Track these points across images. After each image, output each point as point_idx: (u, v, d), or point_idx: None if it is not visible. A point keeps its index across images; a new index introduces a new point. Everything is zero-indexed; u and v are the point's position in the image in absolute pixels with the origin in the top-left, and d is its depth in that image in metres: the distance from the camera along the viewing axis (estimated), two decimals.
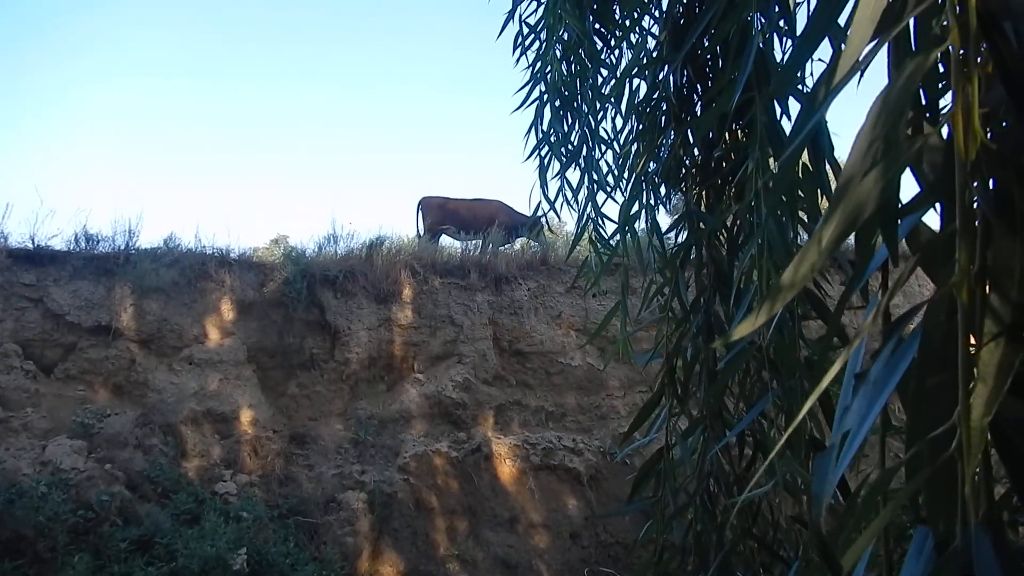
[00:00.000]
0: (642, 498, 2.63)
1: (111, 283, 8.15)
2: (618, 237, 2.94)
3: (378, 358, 8.91)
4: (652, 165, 2.60)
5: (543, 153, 3.27)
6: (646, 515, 9.13)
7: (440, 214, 10.75)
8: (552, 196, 3.32)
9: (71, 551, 6.52)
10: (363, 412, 8.66)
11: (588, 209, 3.13)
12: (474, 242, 10.66)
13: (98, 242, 8.38)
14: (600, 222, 3.21)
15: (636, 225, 2.81)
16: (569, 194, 3.24)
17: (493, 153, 32.19)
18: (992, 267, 0.53)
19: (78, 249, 8.31)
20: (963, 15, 0.52)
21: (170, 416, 7.83)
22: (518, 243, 10.86)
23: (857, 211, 0.51)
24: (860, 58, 0.56)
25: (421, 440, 8.66)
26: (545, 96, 3.17)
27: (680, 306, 2.59)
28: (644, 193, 2.66)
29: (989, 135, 0.54)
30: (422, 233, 10.67)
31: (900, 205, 0.69)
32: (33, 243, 8.12)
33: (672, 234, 2.70)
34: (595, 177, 3.08)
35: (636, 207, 2.71)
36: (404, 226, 23.45)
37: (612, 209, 3.35)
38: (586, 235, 3.24)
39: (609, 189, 3.09)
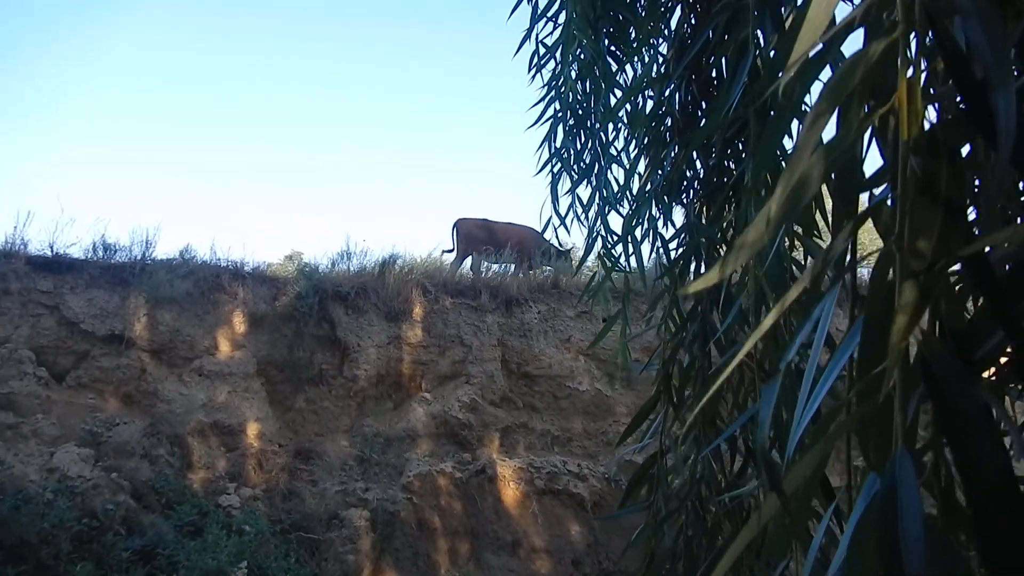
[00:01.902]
0: (635, 504, 2.66)
1: (126, 292, 8.25)
2: (620, 248, 2.98)
3: (386, 376, 8.94)
4: (656, 178, 2.64)
5: (555, 169, 3.33)
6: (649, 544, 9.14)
7: (476, 235, 10.74)
8: (563, 212, 3.37)
9: (74, 559, 6.55)
10: (369, 429, 8.68)
11: (597, 225, 3.17)
12: (504, 265, 10.70)
13: (115, 251, 8.50)
14: (609, 239, 3.24)
15: (638, 236, 2.85)
16: (580, 210, 3.29)
17: (507, 171, 32.41)
18: (914, 231, 0.58)
19: (95, 258, 8.42)
20: (910, 10, 0.56)
21: (178, 427, 7.88)
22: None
23: (803, 183, 0.55)
24: (819, 44, 0.61)
25: (426, 460, 8.66)
26: (559, 114, 3.23)
27: (677, 315, 2.63)
28: (647, 206, 2.69)
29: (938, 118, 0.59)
30: (455, 253, 10.66)
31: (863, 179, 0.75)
32: (52, 251, 8.24)
33: (673, 245, 2.73)
34: (605, 194, 3.13)
35: (638, 220, 2.76)
36: (417, 245, 23.58)
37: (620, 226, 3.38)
38: (595, 251, 3.28)
39: (618, 206, 3.14)
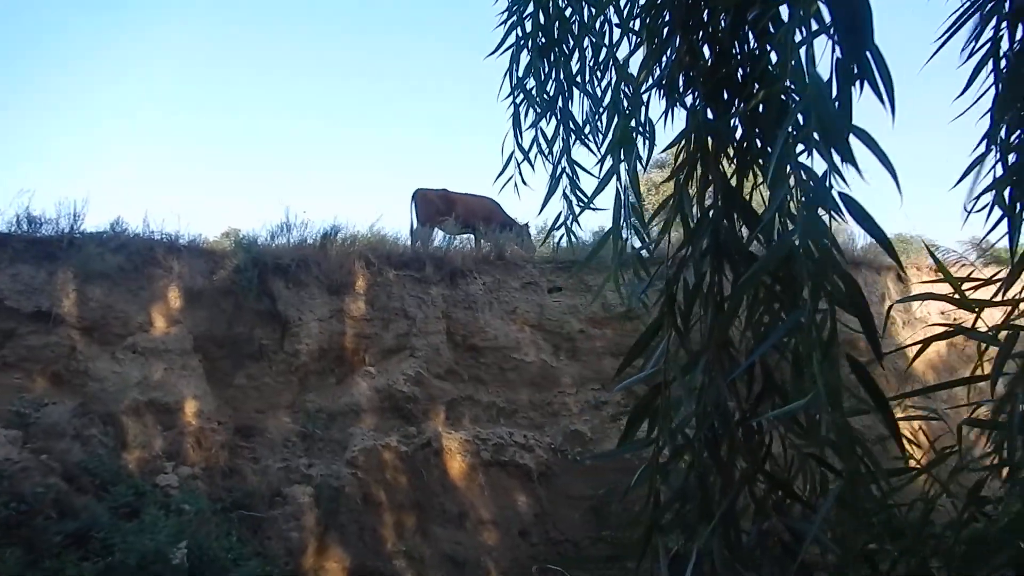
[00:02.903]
0: (634, 441, 2.41)
1: (53, 267, 7.90)
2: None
3: (329, 350, 8.78)
4: (652, 79, 2.39)
5: (517, 100, 3.19)
6: (597, 513, 9.21)
7: (435, 206, 10.58)
8: (527, 147, 3.23)
9: (2, 545, 6.31)
10: (312, 405, 8.53)
11: (563, 162, 3.04)
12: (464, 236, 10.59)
13: (41, 224, 8.11)
14: (575, 175, 3.11)
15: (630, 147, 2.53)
16: (544, 145, 3.15)
17: (459, 146, 32.03)
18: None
19: (19, 232, 8.03)
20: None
21: (111, 406, 7.62)
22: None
23: None
24: None
25: (370, 434, 8.56)
26: (521, 41, 3.07)
27: (683, 227, 2.31)
28: (640, 110, 2.45)
29: None
30: (415, 225, 10.50)
31: None
32: None
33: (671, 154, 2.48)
34: (572, 126, 2.99)
35: (636, 122, 2.50)
36: (360, 217, 23.12)
37: (587, 160, 3.20)
38: (560, 190, 3.13)
39: (586, 139, 2.99)
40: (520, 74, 3.11)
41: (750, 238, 2.14)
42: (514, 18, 3.05)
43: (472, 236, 10.74)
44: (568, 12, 2.97)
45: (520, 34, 3.07)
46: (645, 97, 2.43)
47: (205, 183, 26.43)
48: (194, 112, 27.27)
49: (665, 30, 2.29)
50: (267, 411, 8.37)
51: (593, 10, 2.92)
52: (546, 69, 3.04)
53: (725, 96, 2.16)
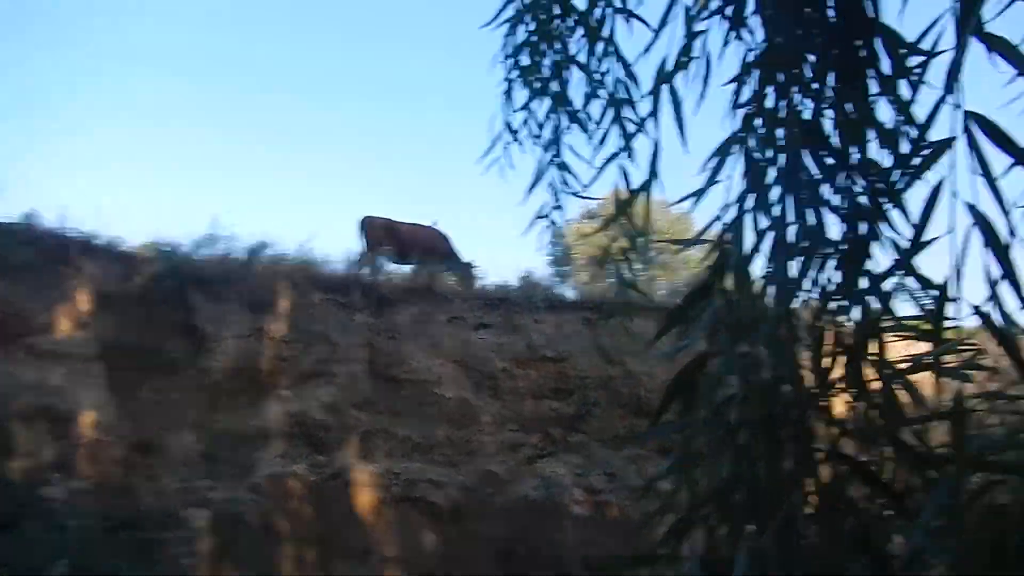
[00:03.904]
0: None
1: None
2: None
3: (244, 369, 8.40)
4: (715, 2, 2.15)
5: (510, 76, 3.11)
6: (506, 557, 9.03)
7: (383, 234, 10.44)
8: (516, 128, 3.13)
9: None
10: (219, 425, 8.11)
11: (551, 150, 2.96)
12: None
13: None
14: (564, 164, 3.03)
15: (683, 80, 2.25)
16: (534, 128, 3.07)
17: (412, 171, 31.73)
18: None
19: None
20: None
21: None
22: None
23: None
24: None
25: (278, 460, 8.20)
26: (520, 14, 3.01)
27: (747, 171, 2.02)
28: (699, 40, 2.19)
29: None
30: (364, 252, 10.33)
31: None
32: None
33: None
34: (567, 109, 2.91)
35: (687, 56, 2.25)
36: (290, 236, 22.36)
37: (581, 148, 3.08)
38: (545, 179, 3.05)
39: (585, 120, 2.91)
40: (514, 48, 3.07)
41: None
42: None
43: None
44: None
45: (520, 7, 3.02)
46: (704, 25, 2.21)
47: (135, 187, 25.30)
48: (136, 116, 26.34)
49: None
50: (171, 428, 7.89)
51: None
52: (543, 47, 3.00)
53: (801, 23, 1.96)
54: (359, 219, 10.45)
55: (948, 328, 1.89)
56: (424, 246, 10.63)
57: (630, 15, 2.83)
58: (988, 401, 2.62)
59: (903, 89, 1.79)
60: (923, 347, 2.25)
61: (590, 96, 3.03)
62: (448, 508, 8.80)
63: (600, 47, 2.95)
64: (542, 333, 9.49)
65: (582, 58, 3.06)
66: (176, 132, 27.13)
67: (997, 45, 1.40)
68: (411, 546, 8.49)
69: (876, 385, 2.03)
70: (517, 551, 8.61)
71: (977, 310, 1.65)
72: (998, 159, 1.47)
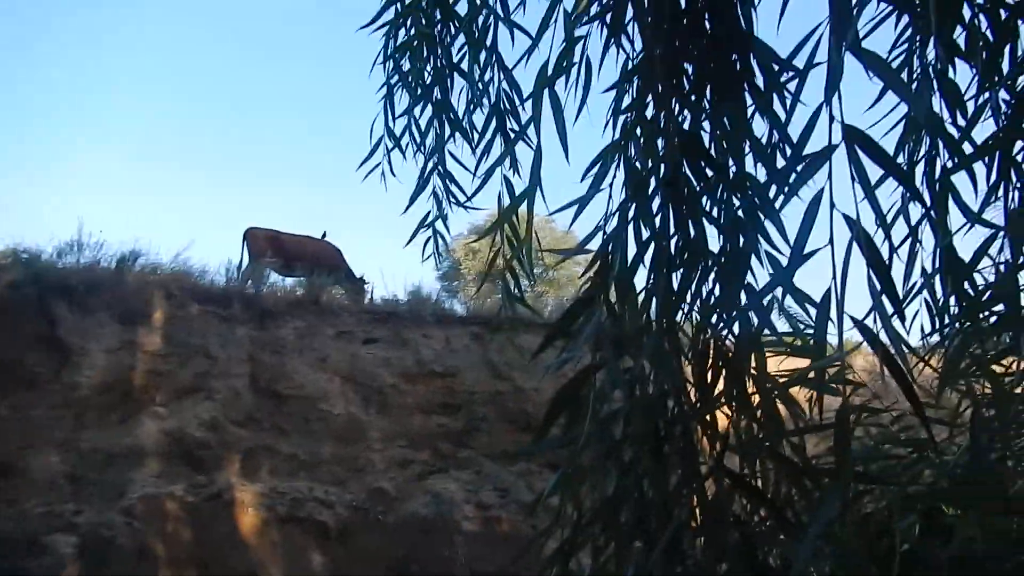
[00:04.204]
0: (552, 439, 2.10)
1: None
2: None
3: (115, 385, 7.90)
4: (594, 9, 2.13)
5: (392, 81, 3.00)
6: (395, 574, 8.81)
7: (266, 245, 10.04)
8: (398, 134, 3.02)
9: None
10: (87, 444, 7.58)
11: (434, 158, 2.86)
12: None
13: None
14: (448, 173, 2.94)
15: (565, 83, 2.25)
16: (416, 135, 2.97)
17: (294, 186, 30.82)
18: None
19: None
20: None
21: None
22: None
23: None
24: None
25: (153, 481, 7.72)
26: (400, 19, 2.90)
27: (627, 181, 1.99)
28: (574, 45, 2.17)
29: None
30: (246, 263, 9.94)
31: None
32: None
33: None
34: (449, 117, 2.82)
35: (566, 62, 2.22)
36: (166, 245, 21.36)
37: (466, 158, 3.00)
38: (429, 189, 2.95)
39: (467, 133, 2.83)
40: (394, 50, 2.98)
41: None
42: None
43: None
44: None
45: (399, 9, 2.94)
46: (584, 31, 2.19)
47: None
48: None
49: None
50: (32, 447, 7.32)
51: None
52: (424, 52, 2.92)
53: (679, 34, 1.94)
54: (243, 230, 10.11)
55: (826, 343, 1.91)
56: (312, 259, 10.37)
57: (513, 24, 2.81)
58: (858, 414, 2.70)
59: (777, 104, 1.80)
60: (804, 361, 2.26)
61: (473, 104, 2.97)
62: (336, 527, 8.50)
63: (483, 55, 2.90)
64: (431, 348, 9.36)
65: (464, 65, 3.01)
66: (44, 136, 25.55)
67: (870, 60, 1.40)
68: (297, 568, 8.16)
69: (757, 399, 2.04)
70: (408, 570, 8.42)
71: (858, 323, 1.65)
72: (873, 173, 1.48)
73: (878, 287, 1.48)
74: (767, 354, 2.06)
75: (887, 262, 1.49)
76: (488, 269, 3.17)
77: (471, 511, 8.87)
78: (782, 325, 2.11)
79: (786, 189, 1.71)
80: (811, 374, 1.98)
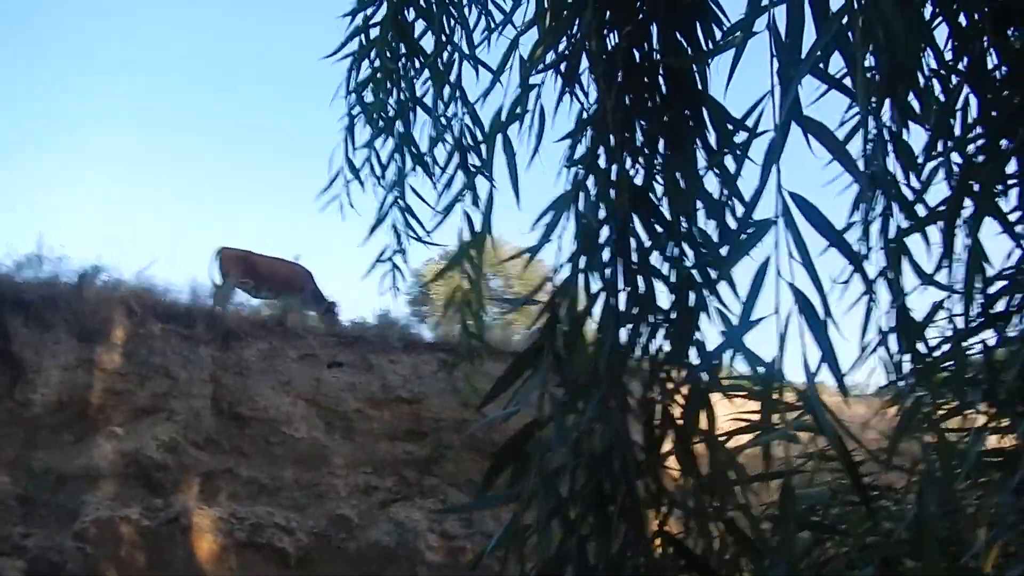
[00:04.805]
0: (494, 495, 2.06)
1: None
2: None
3: (70, 403, 7.72)
4: (550, 57, 2.11)
5: (352, 111, 2.96)
6: None
7: (239, 266, 9.90)
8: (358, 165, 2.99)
9: None
10: (39, 464, 7.40)
11: (394, 192, 2.82)
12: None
13: None
14: (408, 207, 2.90)
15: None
16: (377, 168, 2.93)
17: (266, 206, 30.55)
18: None
19: None
20: None
21: None
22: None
23: None
24: None
25: (107, 504, 7.55)
26: (365, 49, 2.87)
27: (578, 232, 1.96)
28: (528, 95, 2.16)
29: None
30: (218, 284, 9.75)
31: None
32: None
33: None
34: (411, 151, 2.78)
35: (520, 108, 2.21)
36: (129, 261, 21.03)
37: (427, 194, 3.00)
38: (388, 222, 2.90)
39: (428, 167, 2.80)
40: (357, 84, 2.95)
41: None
42: (359, 21, 2.88)
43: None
44: (417, 32, 2.86)
45: (364, 42, 2.90)
46: (539, 79, 2.17)
47: None
48: None
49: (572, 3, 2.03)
50: None
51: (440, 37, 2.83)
52: (388, 85, 2.88)
53: (632, 89, 1.94)
54: (215, 250, 9.96)
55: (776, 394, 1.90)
56: (283, 281, 10.24)
57: (477, 62, 2.78)
58: (815, 461, 2.66)
59: (729, 162, 1.77)
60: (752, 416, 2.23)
61: (435, 139, 2.94)
62: (296, 554, 8.36)
63: (446, 90, 2.87)
64: (397, 374, 9.25)
65: (428, 100, 2.98)
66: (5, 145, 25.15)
67: (814, 129, 1.38)
68: None
69: (704, 459, 2.01)
70: None
71: (800, 395, 1.63)
72: (817, 239, 1.46)
73: (819, 359, 1.45)
74: (721, 404, 2.04)
75: (826, 329, 1.46)
76: (445, 308, 3.13)
77: (435, 540, 8.75)
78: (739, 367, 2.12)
79: (736, 251, 1.68)
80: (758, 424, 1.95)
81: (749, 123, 1.57)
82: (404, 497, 8.96)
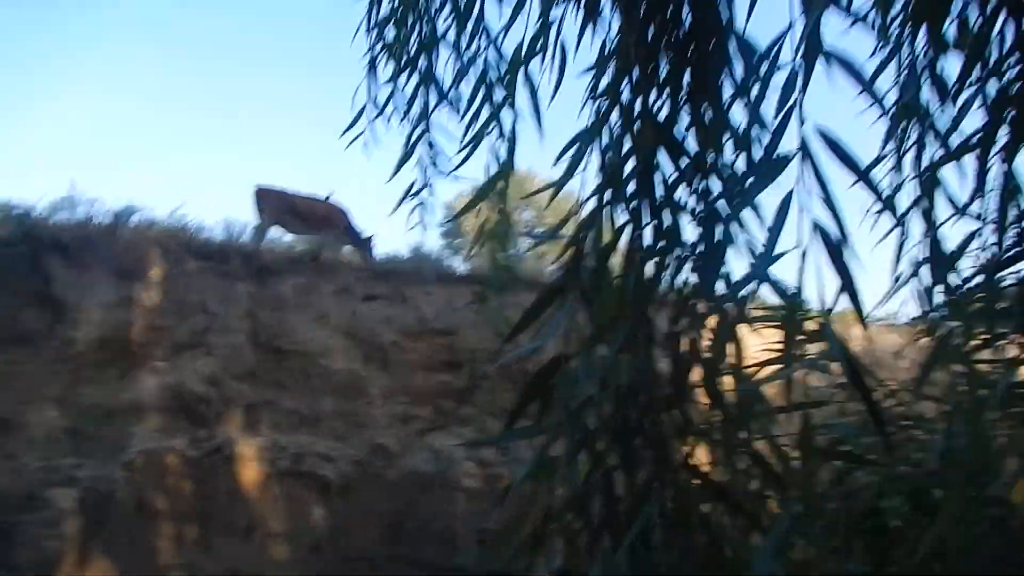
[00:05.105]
0: (521, 428, 2.02)
1: None
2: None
3: (112, 340, 7.91)
4: None
5: (375, 48, 2.92)
6: (396, 530, 8.91)
7: (278, 204, 10.01)
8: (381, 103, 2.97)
9: None
10: (86, 399, 7.63)
11: (420, 127, 2.80)
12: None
13: None
14: (434, 142, 2.88)
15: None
16: (401, 105, 2.91)
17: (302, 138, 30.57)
18: None
19: None
20: None
21: None
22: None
23: None
24: None
25: (153, 436, 7.79)
26: None
27: (602, 167, 1.92)
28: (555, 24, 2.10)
29: None
30: (259, 223, 9.91)
31: None
32: None
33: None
34: (435, 86, 2.75)
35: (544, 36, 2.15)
36: (161, 201, 21.27)
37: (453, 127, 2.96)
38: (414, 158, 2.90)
39: (452, 102, 2.77)
40: (378, 20, 2.89)
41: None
42: None
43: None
44: None
45: None
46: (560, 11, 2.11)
47: None
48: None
49: None
50: (30, 403, 7.37)
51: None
52: (409, 22, 2.82)
53: (655, 22, 1.84)
54: (253, 189, 10.02)
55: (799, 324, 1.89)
56: (322, 219, 10.31)
57: None
58: (845, 391, 2.65)
59: (754, 94, 1.71)
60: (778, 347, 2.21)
61: (459, 75, 2.89)
62: (337, 482, 8.60)
63: (469, 25, 2.81)
64: (431, 306, 9.33)
65: (450, 36, 2.92)
66: (33, 89, 25.28)
67: (837, 61, 1.33)
68: (298, 521, 8.28)
69: (731, 392, 2.01)
70: (408, 525, 8.53)
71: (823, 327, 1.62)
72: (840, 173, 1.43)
73: (838, 289, 1.45)
74: (750, 327, 2.04)
75: (847, 264, 1.44)
76: (474, 241, 3.13)
77: (472, 468, 8.93)
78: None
79: (759, 183, 1.64)
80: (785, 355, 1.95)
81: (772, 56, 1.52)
82: (441, 426, 9.13)
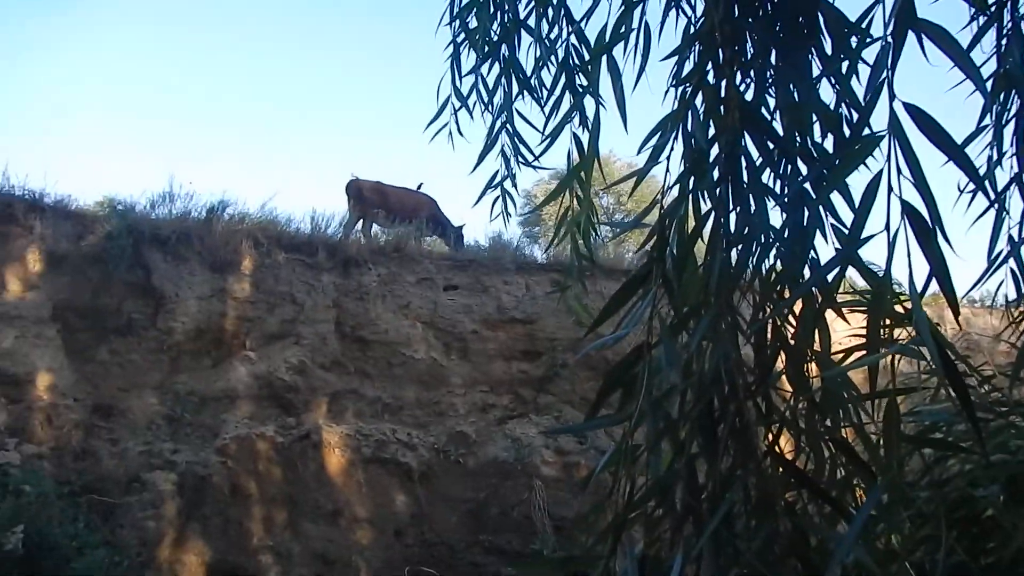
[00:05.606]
0: (603, 416, 2.02)
1: None
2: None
3: (207, 330, 8.24)
4: None
5: (458, 39, 2.95)
6: (476, 517, 8.99)
7: (370, 197, 10.30)
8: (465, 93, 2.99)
9: None
10: (183, 387, 7.97)
11: (502, 117, 2.81)
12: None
13: None
14: (516, 132, 2.89)
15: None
16: (484, 94, 2.92)
17: (383, 133, 31.16)
18: None
19: None
20: None
21: None
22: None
23: None
24: None
25: (245, 422, 8.08)
26: None
27: (686, 153, 1.89)
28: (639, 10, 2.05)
29: None
30: (351, 215, 10.21)
31: None
32: None
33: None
34: (517, 75, 2.75)
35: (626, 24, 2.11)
36: (252, 194, 21.98)
37: (535, 117, 2.96)
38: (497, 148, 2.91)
39: (535, 91, 2.77)
40: (460, 9, 2.90)
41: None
42: None
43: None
44: None
45: None
46: None
47: (86, 145, 24.75)
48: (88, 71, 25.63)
49: None
50: (131, 390, 7.75)
51: None
52: (491, 9, 2.82)
53: (741, 1, 1.78)
54: (347, 181, 10.29)
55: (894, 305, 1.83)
56: (412, 209, 10.51)
57: None
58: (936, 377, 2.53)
59: (844, 71, 1.65)
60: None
61: (541, 62, 2.88)
62: (418, 469, 8.75)
63: (550, 11, 2.80)
64: (511, 295, 9.37)
65: (532, 22, 2.91)
66: (133, 91, 26.35)
67: (931, 32, 1.27)
68: (380, 507, 8.46)
69: (817, 380, 1.96)
70: (488, 512, 8.61)
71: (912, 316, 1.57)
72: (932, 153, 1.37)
73: (928, 272, 1.39)
74: (836, 313, 1.98)
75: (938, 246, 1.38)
76: (556, 230, 3.11)
77: (550, 456, 8.95)
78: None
79: (847, 164, 1.58)
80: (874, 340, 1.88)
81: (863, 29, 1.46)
82: (520, 414, 9.18)
